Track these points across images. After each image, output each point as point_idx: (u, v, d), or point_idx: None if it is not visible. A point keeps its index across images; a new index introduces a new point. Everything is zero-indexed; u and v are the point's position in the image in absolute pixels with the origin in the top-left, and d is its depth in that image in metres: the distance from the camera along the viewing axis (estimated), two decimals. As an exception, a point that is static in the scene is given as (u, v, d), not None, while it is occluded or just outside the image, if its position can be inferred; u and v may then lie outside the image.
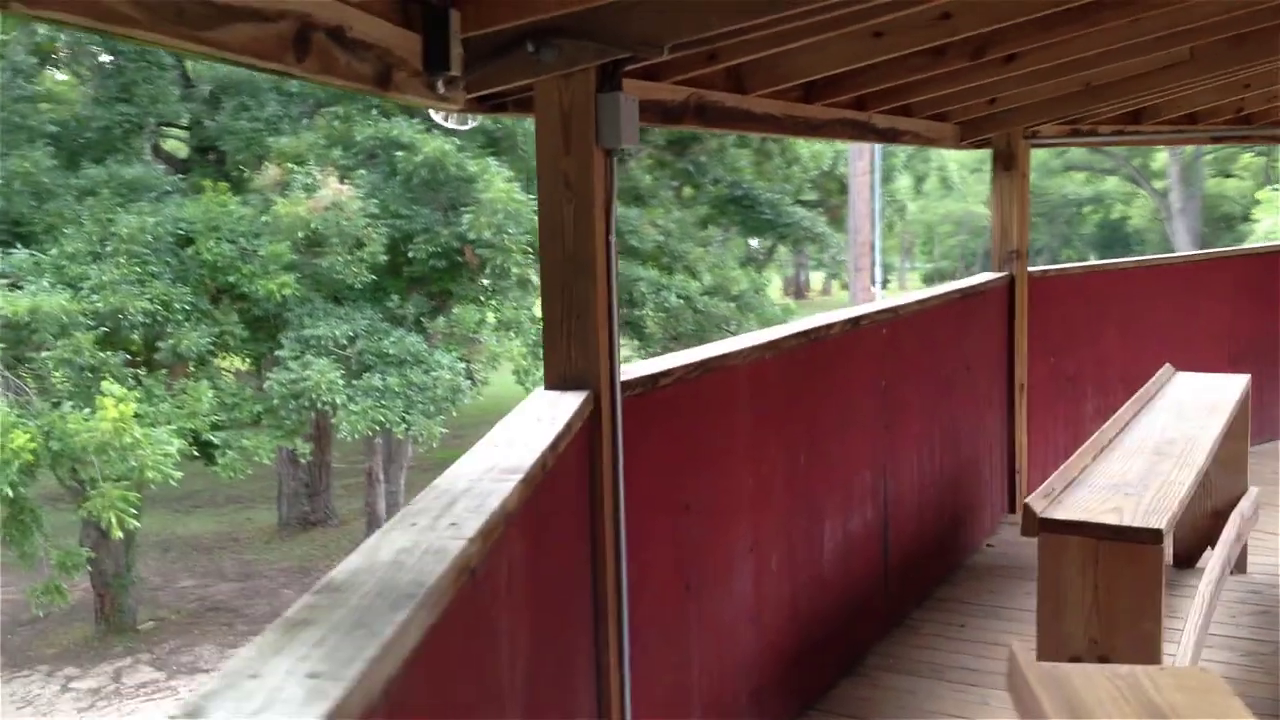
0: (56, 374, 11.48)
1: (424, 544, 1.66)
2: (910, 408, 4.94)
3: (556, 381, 2.84)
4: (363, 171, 15.27)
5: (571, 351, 2.85)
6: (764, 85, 4.23)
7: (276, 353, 13.93)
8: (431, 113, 3.22)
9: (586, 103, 2.84)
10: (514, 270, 15.60)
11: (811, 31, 3.75)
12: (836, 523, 4.26)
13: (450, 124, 3.15)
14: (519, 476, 2.04)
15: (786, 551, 3.92)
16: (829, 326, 4.20)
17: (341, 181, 14.63)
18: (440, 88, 2.61)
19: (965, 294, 5.61)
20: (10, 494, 10.33)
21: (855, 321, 4.42)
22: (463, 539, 1.68)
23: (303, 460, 15.40)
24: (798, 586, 3.97)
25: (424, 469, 18.81)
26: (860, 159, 16.52)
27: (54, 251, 12.95)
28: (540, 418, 2.53)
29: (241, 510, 18.26)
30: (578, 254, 2.85)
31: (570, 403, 2.67)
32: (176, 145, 17.95)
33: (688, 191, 23.67)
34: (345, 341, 14.14)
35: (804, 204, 25.18)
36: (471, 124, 3.10)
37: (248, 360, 15.26)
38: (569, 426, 2.50)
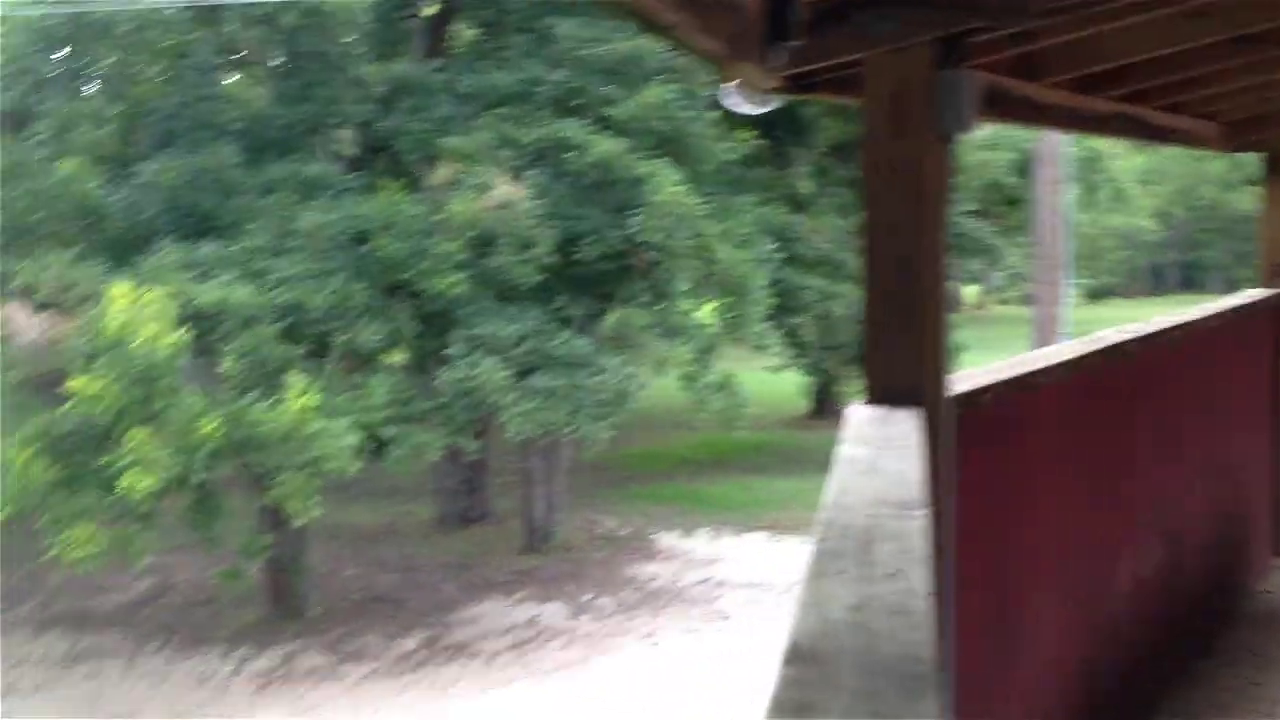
0: (240, 364, 11.69)
1: (876, 600, 1.38)
2: (1185, 436, 4.47)
3: (880, 395, 2.52)
4: (532, 171, 15.22)
5: (899, 362, 2.52)
6: (1057, 73, 3.84)
7: (445, 350, 13.98)
8: (724, 94, 2.92)
9: (924, 81, 2.51)
10: (682, 275, 15.38)
11: (1126, 12, 3.35)
12: (1125, 561, 3.84)
13: (745, 109, 2.85)
14: (920, 513, 1.73)
15: (1082, 590, 3.52)
16: (1127, 344, 3.79)
17: (512, 182, 14.61)
18: (774, 60, 2.32)
19: (1237, 312, 5.10)
20: (198, 479, 10.54)
21: (1146, 340, 3.99)
22: (919, 596, 1.38)
23: (467, 457, 15.44)
24: (1092, 630, 3.57)
25: (580, 472, 18.71)
26: (1047, 167, 15.75)
27: (239, 245, 13.24)
28: (889, 438, 2.21)
29: (400, 503, 18.46)
30: (908, 253, 2.52)
31: (907, 421, 2.34)
32: (349, 145, 18.24)
33: (850, 198, 22.99)
34: (513, 341, 14.09)
35: (968, 214, 24.33)
36: (771, 106, 2.80)
37: (414, 356, 15.38)
38: (923, 451, 2.18)
